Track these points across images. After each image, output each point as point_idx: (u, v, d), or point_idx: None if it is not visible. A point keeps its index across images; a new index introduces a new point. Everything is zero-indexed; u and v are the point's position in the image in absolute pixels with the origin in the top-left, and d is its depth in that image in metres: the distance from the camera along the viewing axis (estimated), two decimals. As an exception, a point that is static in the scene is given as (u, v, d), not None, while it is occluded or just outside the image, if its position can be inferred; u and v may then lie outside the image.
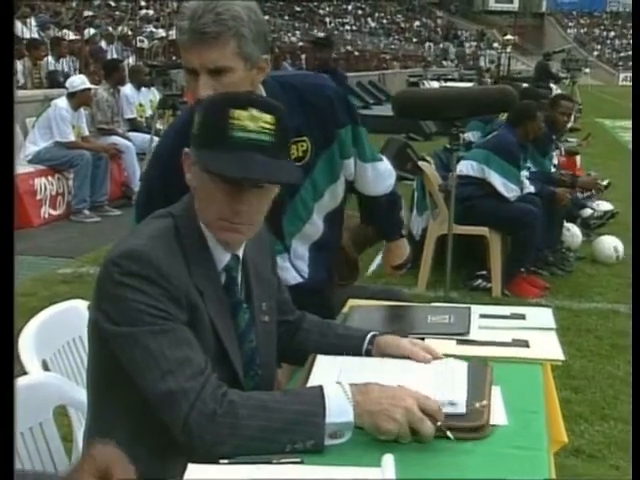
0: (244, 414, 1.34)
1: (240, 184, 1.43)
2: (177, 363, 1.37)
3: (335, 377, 1.50)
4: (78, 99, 7.27)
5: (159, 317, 1.38)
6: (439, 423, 1.35)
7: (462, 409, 1.42)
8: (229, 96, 1.51)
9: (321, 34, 22.38)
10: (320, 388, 1.39)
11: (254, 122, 1.42)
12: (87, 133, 7.56)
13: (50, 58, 9.21)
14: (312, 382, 1.54)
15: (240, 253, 1.57)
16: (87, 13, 11.47)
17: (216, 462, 1.24)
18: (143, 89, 8.77)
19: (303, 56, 19.39)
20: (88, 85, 7.39)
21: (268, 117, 1.43)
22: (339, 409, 1.35)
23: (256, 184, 1.45)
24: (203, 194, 1.48)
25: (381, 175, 2.24)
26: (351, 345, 1.71)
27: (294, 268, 2.09)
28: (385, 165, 2.27)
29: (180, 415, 1.34)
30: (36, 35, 9.56)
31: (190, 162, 1.50)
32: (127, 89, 8.67)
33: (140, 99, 8.71)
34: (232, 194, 1.44)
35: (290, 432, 1.33)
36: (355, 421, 1.35)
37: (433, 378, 1.53)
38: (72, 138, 7.23)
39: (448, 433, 1.36)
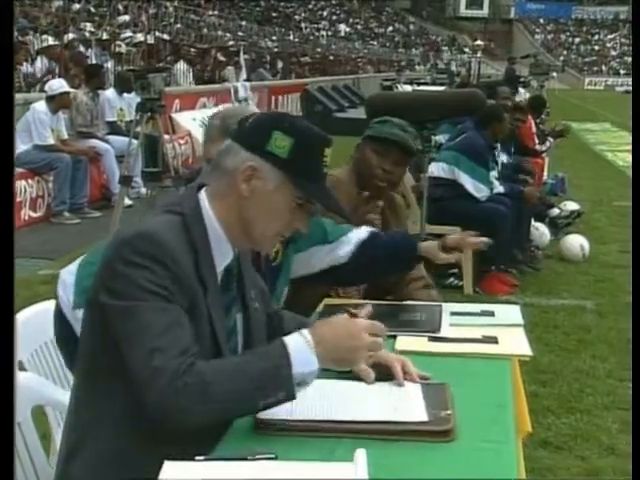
0: (211, 380, 1.40)
1: (310, 209, 1.60)
2: (168, 342, 1.41)
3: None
4: (57, 102, 7.30)
5: (162, 296, 1.43)
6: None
7: (424, 417, 1.45)
8: (322, 134, 1.61)
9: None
10: (281, 341, 1.45)
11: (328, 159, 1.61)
12: (66, 136, 7.57)
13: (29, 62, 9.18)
14: None
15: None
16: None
17: (192, 459, 1.26)
18: (125, 95, 8.71)
19: (279, 62, 19.50)
20: (67, 89, 7.42)
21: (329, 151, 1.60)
22: (304, 360, 1.43)
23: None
24: (266, 210, 1.56)
25: (343, 245, 2.35)
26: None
27: None
28: (348, 237, 2.37)
29: (157, 390, 1.39)
30: (15, 40, 9.53)
31: (255, 176, 1.53)
32: (109, 92, 8.69)
33: (121, 104, 8.72)
34: (301, 216, 1.59)
35: (260, 388, 1.40)
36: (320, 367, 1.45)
37: (387, 399, 1.53)
38: (51, 141, 7.25)
39: None
